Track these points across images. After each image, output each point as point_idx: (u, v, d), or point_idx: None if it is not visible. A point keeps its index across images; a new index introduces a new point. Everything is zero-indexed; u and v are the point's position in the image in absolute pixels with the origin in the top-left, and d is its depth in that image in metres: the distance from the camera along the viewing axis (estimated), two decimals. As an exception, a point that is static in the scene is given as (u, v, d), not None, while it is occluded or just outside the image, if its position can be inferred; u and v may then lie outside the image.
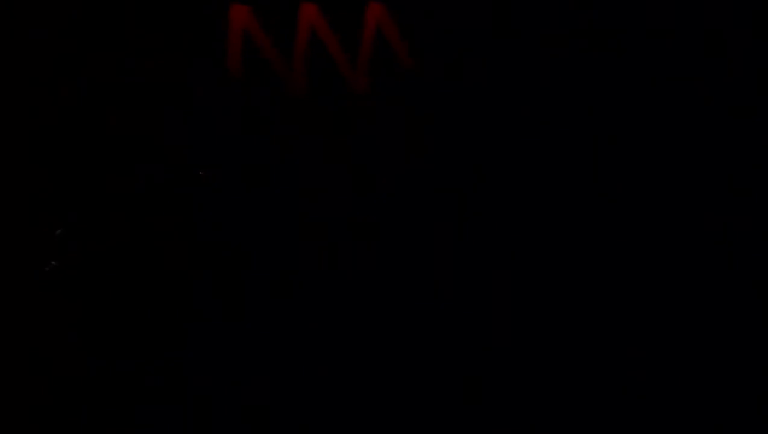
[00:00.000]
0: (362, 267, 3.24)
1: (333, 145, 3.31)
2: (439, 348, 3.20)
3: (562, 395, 3.17)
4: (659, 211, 3.29)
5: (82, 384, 3.11)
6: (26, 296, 3.15)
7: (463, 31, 3.34)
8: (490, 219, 3.28)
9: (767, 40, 3.31)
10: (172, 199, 3.24)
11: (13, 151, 3.23)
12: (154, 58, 3.28)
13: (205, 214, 3.25)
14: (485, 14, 3.34)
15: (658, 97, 3.32)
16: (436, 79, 3.34)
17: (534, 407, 3.16)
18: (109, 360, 3.13)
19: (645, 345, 3.20)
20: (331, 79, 3.33)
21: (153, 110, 3.28)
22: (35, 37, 3.25)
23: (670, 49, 3.32)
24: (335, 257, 3.24)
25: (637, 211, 3.29)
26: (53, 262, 3.17)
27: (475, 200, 3.28)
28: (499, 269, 3.25)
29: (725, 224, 3.27)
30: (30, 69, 3.25)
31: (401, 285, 3.23)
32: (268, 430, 3.13)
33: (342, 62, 3.32)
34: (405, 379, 3.17)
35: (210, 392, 3.13)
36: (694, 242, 3.27)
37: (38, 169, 3.23)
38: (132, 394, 3.11)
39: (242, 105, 3.30)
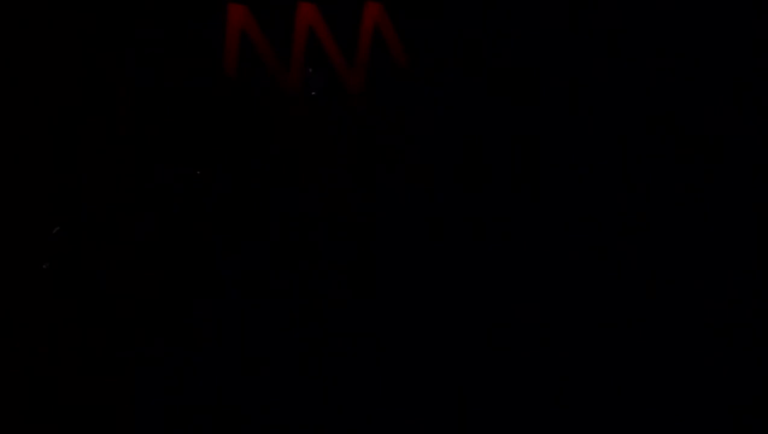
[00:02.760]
0: (360, 265, 3.24)
1: (330, 143, 3.32)
2: (438, 347, 3.20)
3: (559, 394, 3.17)
4: (656, 210, 3.30)
5: (80, 381, 3.11)
6: (24, 294, 3.16)
7: (460, 30, 3.35)
8: (487, 217, 3.28)
9: None
10: (170, 198, 3.25)
11: (12, 150, 3.24)
12: (152, 57, 3.29)
13: (203, 213, 3.26)
14: (483, 14, 3.35)
15: (653, 97, 3.35)
16: (432, 78, 3.34)
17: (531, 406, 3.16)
18: (108, 357, 3.13)
19: (643, 343, 3.21)
20: (328, 78, 3.34)
21: (151, 109, 3.29)
22: (35, 37, 3.26)
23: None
24: (332, 253, 3.24)
25: (634, 211, 3.30)
26: (49, 262, 3.17)
27: (473, 198, 3.29)
28: (496, 266, 3.25)
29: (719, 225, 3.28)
30: (29, 68, 3.26)
31: (400, 283, 3.23)
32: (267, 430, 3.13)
33: (339, 62, 3.32)
34: (404, 379, 3.17)
35: (208, 391, 3.13)
36: (694, 242, 3.28)
37: (38, 168, 3.24)
38: (131, 393, 3.11)
39: (238, 104, 3.31)
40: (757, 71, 3.33)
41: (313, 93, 3.36)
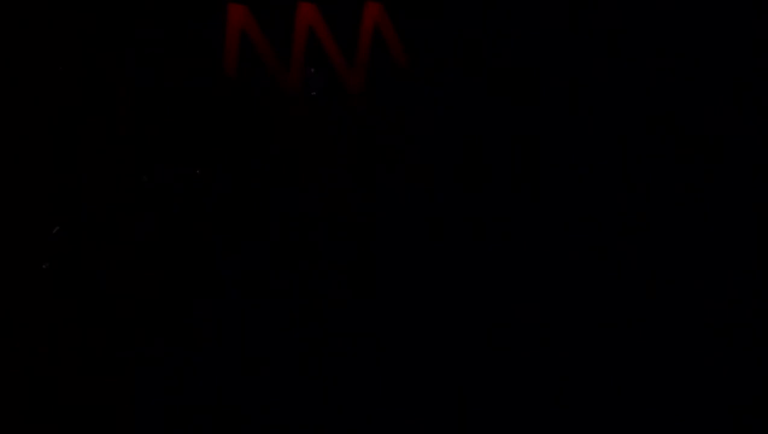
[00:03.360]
0: (360, 265, 3.24)
1: (330, 143, 3.32)
2: (438, 347, 3.20)
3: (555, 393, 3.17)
4: (653, 211, 3.30)
5: (80, 381, 3.11)
6: (24, 294, 3.16)
7: (460, 30, 3.35)
8: (487, 217, 3.28)
9: None
10: (170, 198, 3.25)
11: (12, 150, 3.24)
12: (152, 57, 3.29)
13: (203, 213, 3.26)
14: (483, 14, 3.35)
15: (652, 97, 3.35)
16: (432, 78, 3.35)
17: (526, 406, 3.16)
18: (108, 357, 3.13)
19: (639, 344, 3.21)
20: (328, 78, 3.34)
21: (151, 109, 3.29)
22: (35, 37, 3.26)
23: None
24: (332, 253, 3.24)
25: (634, 211, 3.30)
26: (49, 262, 3.17)
27: (473, 198, 3.29)
28: (496, 266, 3.25)
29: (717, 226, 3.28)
30: (29, 68, 3.26)
31: (400, 283, 3.23)
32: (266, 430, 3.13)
33: (339, 62, 3.33)
34: (404, 379, 3.17)
35: (208, 391, 3.13)
36: (694, 242, 3.28)
37: (38, 168, 3.24)
38: (131, 393, 3.11)
39: (238, 104, 3.31)
40: (757, 71, 3.33)
41: (313, 93, 3.36)
